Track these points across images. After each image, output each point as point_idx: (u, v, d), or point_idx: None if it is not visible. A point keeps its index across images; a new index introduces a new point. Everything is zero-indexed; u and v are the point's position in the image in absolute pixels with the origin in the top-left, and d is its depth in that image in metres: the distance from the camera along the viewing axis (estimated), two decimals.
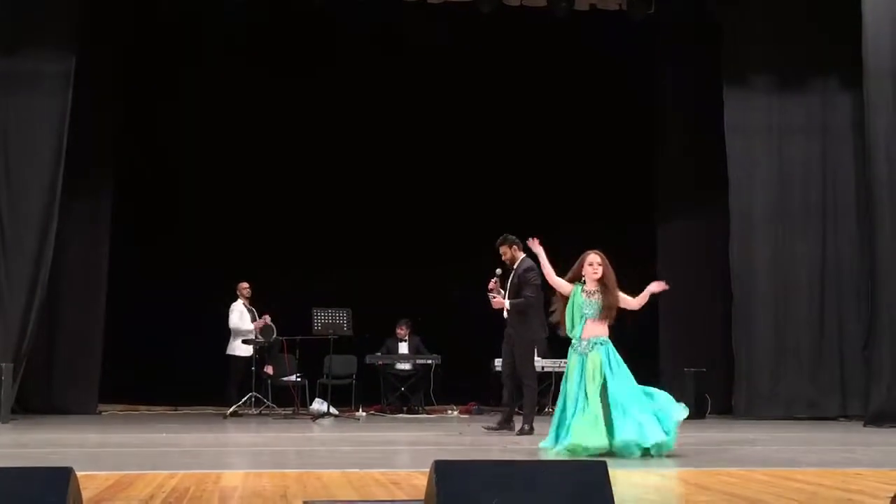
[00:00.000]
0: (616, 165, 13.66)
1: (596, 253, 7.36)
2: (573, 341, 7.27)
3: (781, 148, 11.85)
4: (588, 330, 7.20)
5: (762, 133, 11.85)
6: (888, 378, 10.46)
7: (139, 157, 13.16)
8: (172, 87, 13.33)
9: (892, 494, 2.98)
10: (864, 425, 10.26)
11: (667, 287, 7.53)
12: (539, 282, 8.68)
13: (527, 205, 13.67)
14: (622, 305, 7.33)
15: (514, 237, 9.32)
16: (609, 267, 7.31)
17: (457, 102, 13.58)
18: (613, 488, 3.40)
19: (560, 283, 7.40)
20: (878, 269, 10.67)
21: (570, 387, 7.13)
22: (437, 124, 13.68)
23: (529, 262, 8.94)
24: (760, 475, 5.71)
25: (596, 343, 7.15)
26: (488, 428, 9.27)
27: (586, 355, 7.12)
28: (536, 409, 9.33)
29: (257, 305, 12.31)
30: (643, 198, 13.31)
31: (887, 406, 10.36)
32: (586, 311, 7.24)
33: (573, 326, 7.27)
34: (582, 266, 7.31)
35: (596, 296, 7.24)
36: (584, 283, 7.31)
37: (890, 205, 10.68)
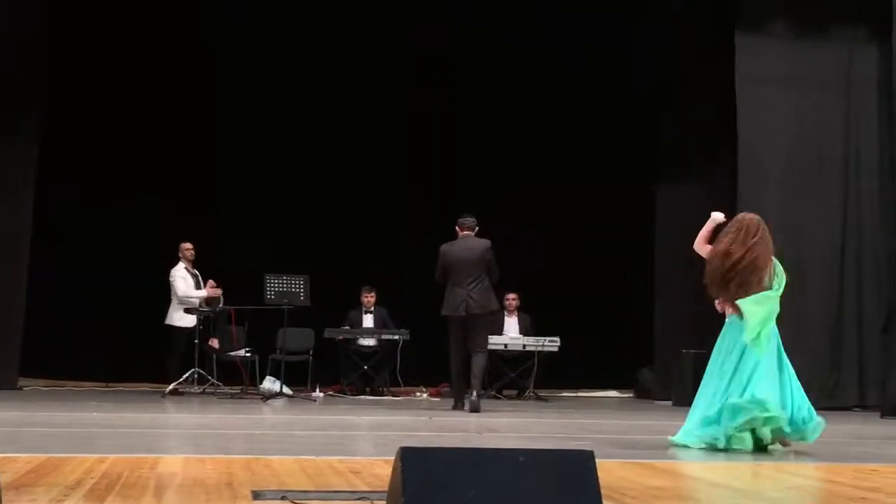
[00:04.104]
0: (609, 120, 13.69)
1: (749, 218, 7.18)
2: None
3: (799, 102, 11.88)
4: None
5: (778, 84, 11.86)
6: None
7: (71, 101, 13.02)
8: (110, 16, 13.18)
9: None
10: (881, 416, 10.39)
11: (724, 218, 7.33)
12: (440, 261, 10.22)
13: (513, 165, 13.76)
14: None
15: (458, 219, 10.44)
16: (747, 237, 7.07)
17: (433, 56, 13.64)
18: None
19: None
20: None
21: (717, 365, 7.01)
22: (407, 73, 13.73)
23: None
24: (763, 469, 5.79)
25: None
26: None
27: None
28: (461, 386, 10.30)
29: (201, 269, 12.24)
30: (639, 156, 13.35)
31: None
32: None
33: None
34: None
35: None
36: None
37: None
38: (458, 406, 10.17)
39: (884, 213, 11.52)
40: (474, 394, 9.96)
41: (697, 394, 7.10)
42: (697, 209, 12.86)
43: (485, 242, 10.28)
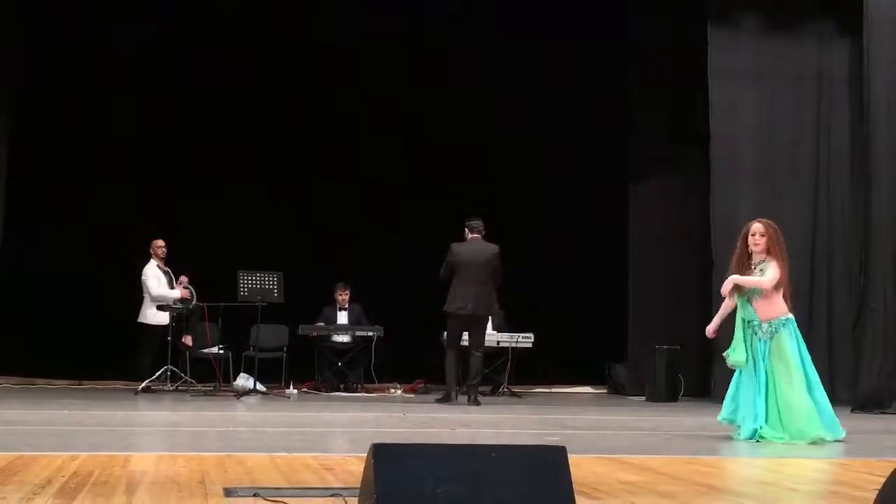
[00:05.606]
0: (584, 115, 13.69)
1: (759, 222, 7.39)
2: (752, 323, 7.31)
3: (770, 97, 11.94)
4: (763, 310, 7.24)
5: (749, 80, 11.92)
6: (878, 360, 10.66)
7: (39, 98, 12.93)
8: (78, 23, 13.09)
9: (878, 487, 3.05)
10: (852, 411, 10.47)
11: None
12: (449, 259, 10.65)
13: (489, 163, 13.73)
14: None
15: (467, 222, 10.84)
16: (776, 235, 7.32)
17: (404, 55, 13.59)
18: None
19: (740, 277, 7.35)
20: (872, 237, 10.83)
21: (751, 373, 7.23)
22: (385, 72, 13.69)
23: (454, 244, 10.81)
24: (737, 465, 5.82)
25: (779, 325, 7.22)
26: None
27: (769, 339, 7.21)
28: (453, 380, 10.81)
29: (173, 267, 12.16)
30: (614, 151, 13.36)
31: (876, 391, 10.59)
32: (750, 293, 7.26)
33: (743, 308, 7.32)
34: (745, 238, 7.34)
35: (759, 270, 7.24)
36: (751, 257, 7.33)
37: (888, 166, 10.82)
38: (448, 400, 10.57)
39: (854, 208, 11.58)
40: (474, 391, 10.66)
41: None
42: (671, 205, 12.97)
43: (494, 248, 10.79)
